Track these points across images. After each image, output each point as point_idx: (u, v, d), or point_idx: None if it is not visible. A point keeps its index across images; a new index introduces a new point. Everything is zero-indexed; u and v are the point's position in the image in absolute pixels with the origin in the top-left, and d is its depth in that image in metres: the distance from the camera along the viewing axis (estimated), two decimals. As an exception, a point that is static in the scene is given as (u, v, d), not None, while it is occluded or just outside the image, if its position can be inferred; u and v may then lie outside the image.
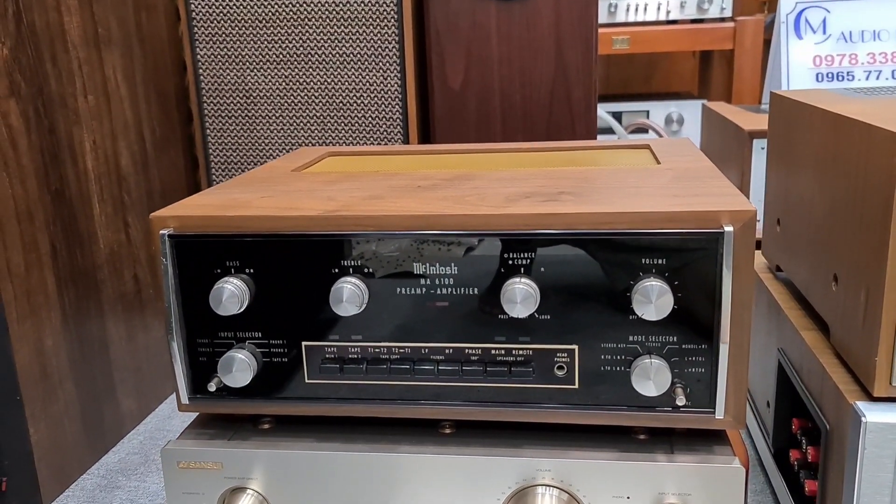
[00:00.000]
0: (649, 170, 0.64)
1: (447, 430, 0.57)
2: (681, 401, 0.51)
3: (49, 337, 0.76)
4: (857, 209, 0.53)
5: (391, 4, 1.07)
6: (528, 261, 0.51)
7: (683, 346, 0.51)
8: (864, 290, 0.52)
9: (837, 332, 0.58)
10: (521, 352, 0.53)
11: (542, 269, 0.51)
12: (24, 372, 0.74)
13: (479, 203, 0.54)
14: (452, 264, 0.52)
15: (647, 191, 0.56)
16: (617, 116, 1.81)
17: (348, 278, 0.53)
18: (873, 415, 0.49)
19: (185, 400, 0.57)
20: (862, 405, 0.50)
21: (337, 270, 0.53)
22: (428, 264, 0.53)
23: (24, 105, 0.73)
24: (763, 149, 1.08)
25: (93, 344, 0.84)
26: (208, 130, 1.17)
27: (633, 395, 0.52)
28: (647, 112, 1.80)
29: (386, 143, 1.13)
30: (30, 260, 0.74)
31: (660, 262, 0.50)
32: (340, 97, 1.13)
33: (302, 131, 1.15)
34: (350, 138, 1.14)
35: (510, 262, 0.51)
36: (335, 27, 1.10)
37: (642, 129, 1.75)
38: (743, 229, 0.48)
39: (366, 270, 0.53)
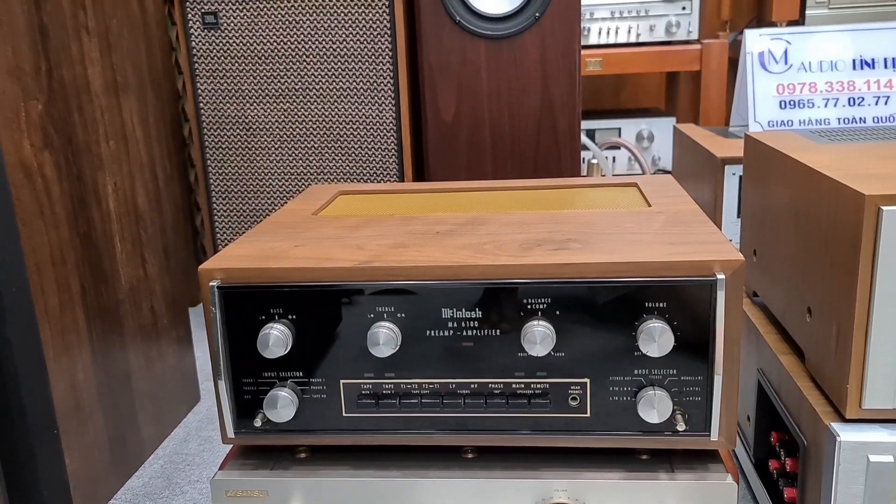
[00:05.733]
0: (642, 213, 0.71)
1: (469, 455, 0.64)
2: (681, 426, 0.58)
3: (80, 371, 0.81)
4: (828, 253, 0.61)
5: (386, 42, 1.13)
6: (545, 305, 0.58)
7: (682, 378, 0.58)
8: (835, 324, 0.59)
9: (812, 359, 0.65)
10: (538, 385, 0.59)
11: (557, 312, 0.58)
12: (60, 406, 0.78)
13: (497, 252, 0.61)
14: (477, 309, 0.59)
15: (646, 237, 0.62)
16: (590, 134, 1.89)
17: (383, 323, 0.59)
18: (846, 435, 0.57)
19: (230, 434, 0.63)
20: (836, 426, 0.58)
21: (372, 316, 0.59)
22: (454, 309, 0.59)
23: (57, 155, 0.77)
24: (734, 174, 1.17)
25: (117, 375, 0.89)
26: (209, 161, 1.21)
27: (638, 421, 0.59)
28: (619, 129, 1.89)
29: (382, 172, 1.19)
30: (63, 300, 0.78)
31: (661, 305, 0.57)
32: (337, 129, 1.18)
33: (300, 162, 1.20)
34: (347, 168, 1.19)
35: (528, 306, 0.58)
36: (332, 64, 1.15)
37: (615, 147, 1.84)
38: (733, 276, 0.56)
39: (399, 315, 0.59)
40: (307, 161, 1.20)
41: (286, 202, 1.23)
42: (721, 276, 0.55)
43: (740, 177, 1.17)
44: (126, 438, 0.90)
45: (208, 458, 0.96)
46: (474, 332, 0.59)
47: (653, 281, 0.56)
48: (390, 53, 1.14)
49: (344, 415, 0.62)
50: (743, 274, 0.56)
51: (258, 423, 0.61)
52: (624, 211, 0.72)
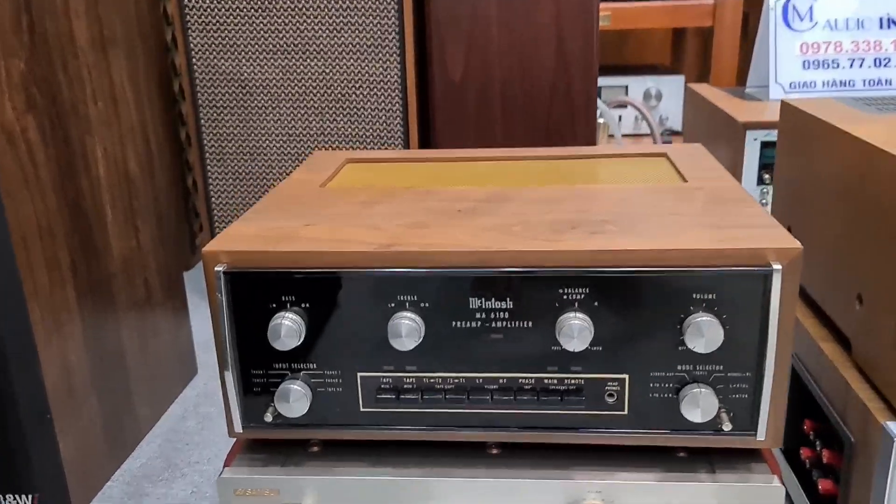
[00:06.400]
0: (679, 190, 0.66)
1: (494, 451, 0.59)
2: (727, 426, 0.53)
3: (73, 352, 0.76)
4: (886, 238, 0.56)
5: (391, -5, 1.06)
6: (582, 295, 0.53)
7: (729, 375, 0.54)
8: (892, 315, 0.55)
9: (861, 349, 0.61)
10: (573, 381, 0.55)
11: (596, 303, 0.53)
12: (53, 389, 0.74)
13: (527, 234, 0.56)
14: (508, 299, 0.54)
15: (688, 219, 0.57)
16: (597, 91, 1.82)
17: (405, 313, 0.54)
18: (905, 436, 0.53)
19: (238, 429, 0.58)
20: (893, 425, 0.54)
21: (393, 305, 0.54)
22: (482, 299, 0.54)
23: (41, 118, 0.71)
24: (756, 140, 1.11)
25: (111, 355, 0.84)
26: (203, 120, 1.14)
27: (678, 418, 0.54)
28: (626, 87, 1.82)
29: (386, 134, 1.12)
30: (53, 278, 0.73)
31: (710, 297, 0.52)
32: (339, 87, 1.11)
33: (299, 122, 1.13)
34: (349, 129, 1.13)
35: (564, 296, 0.53)
36: (334, 17, 1.08)
37: (622, 105, 1.77)
38: (790, 266, 0.51)
39: (422, 305, 0.54)
40: (307, 122, 1.13)
41: (284, 164, 1.17)
42: (777, 267, 0.51)
43: (762, 142, 1.11)
44: (122, 420, 0.86)
45: (208, 437, 0.91)
46: (504, 323, 0.54)
47: (702, 271, 0.52)
48: (396, 5, 1.06)
49: (361, 409, 0.57)
50: (800, 264, 0.51)
51: (268, 417, 0.57)
52: (658, 186, 0.67)
